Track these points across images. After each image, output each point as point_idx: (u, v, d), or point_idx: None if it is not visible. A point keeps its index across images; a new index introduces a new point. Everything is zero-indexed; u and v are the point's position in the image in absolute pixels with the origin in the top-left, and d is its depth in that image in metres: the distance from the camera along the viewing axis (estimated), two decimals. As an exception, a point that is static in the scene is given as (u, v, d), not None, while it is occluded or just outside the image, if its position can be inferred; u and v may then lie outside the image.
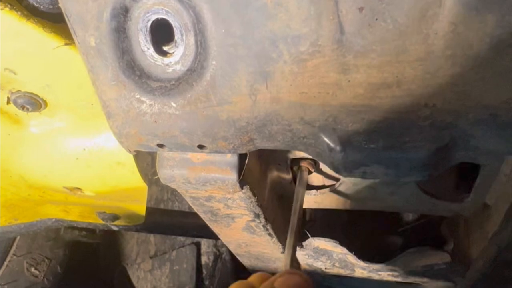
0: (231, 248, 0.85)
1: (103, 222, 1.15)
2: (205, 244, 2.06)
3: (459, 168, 0.73)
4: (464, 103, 0.38)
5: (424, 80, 0.37)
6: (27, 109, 0.71)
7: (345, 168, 0.45)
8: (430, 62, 0.37)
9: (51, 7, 0.57)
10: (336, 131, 0.42)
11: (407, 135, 0.40)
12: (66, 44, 0.59)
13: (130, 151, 0.51)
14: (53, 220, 1.14)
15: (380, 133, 0.41)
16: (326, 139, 0.43)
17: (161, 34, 0.43)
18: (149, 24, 0.43)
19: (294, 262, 0.55)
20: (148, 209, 1.13)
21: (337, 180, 0.71)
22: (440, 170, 0.45)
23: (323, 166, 0.70)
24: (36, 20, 0.56)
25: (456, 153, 0.42)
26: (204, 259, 2.07)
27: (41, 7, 0.57)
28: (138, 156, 0.82)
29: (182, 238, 2.09)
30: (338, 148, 0.43)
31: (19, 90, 0.68)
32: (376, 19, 0.36)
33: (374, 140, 0.41)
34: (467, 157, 0.43)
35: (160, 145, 0.49)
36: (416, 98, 0.38)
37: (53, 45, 0.59)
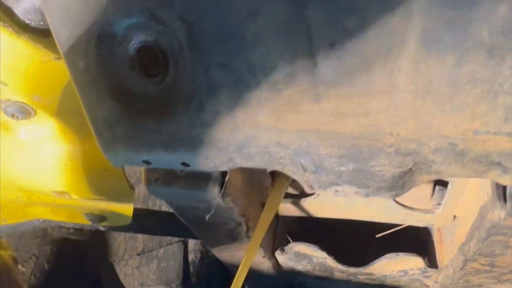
0: (215, 252, 0.88)
1: (90, 223, 1.17)
2: (192, 242, 2.08)
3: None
4: (426, 133, 0.41)
5: (389, 111, 0.41)
6: (17, 117, 0.73)
7: (318, 186, 0.48)
8: (394, 95, 0.40)
9: (42, 23, 0.59)
10: (310, 154, 0.45)
11: (375, 160, 0.43)
12: (55, 58, 0.61)
13: (116, 166, 0.54)
14: (41, 220, 1.16)
15: (350, 158, 0.44)
16: (300, 161, 0.46)
17: (147, 57, 0.46)
18: (135, 49, 0.45)
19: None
20: (135, 210, 1.15)
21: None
22: (407, 190, 0.48)
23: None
24: (27, 36, 0.58)
25: (419, 176, 0.45)
26: (191, 256, 2.09)
27: (32, 23, 0.58)
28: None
29: (169, 236, 2.11)
30: (311, 169, 0.46)
31: (9, 99, 0.70)
32: (346, 55, 0.39)
33: (344, 163, 0.44)
34: (431, 179, 0.47)
35: (146, 162, 0.52)
36: (382, 127, 0.41)
37: (43, 60, 0.61)
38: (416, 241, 0.97)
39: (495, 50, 0.36)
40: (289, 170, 0.49)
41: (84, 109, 0.50)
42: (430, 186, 0.79)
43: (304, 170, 0.47)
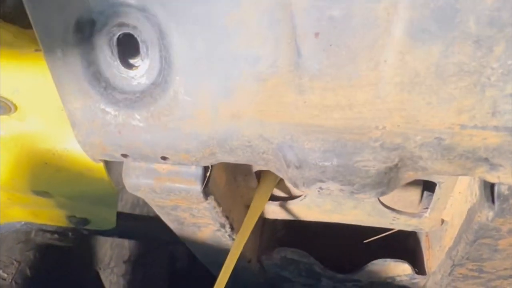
0: (199, 256, 0.85)
1: (73, 226, 1.14)
2: (180, 249, 2.04)
3: (423, 182, 0.76)
4: (412, 127, 0.40)
5: (374, 104, 0.39)
6: (-4, 112, 0.71)
7: (302, 183, 0.47)
8: (380, 87, 0.39)
9: (22, 13, 0.57)
10: (293, 149, 0.44)
11: (359, 154, 0.42)
12: (36, 50, 0.59)
13: (94, 160, 0.52)
14: (22, 223, 1.13)
15: (334, 152, 0.43)
16: (283, 156, 0.45)
17: (127, 47, 0.44)
18: (115, 37, 0.44)
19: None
20: (120, 214, 1.13)
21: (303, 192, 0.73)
22: (393, 188, 0.47)
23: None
24: (6, 26, 0.57)
25: (405, 172, 0.44)
26: (178, 264, 2.05)
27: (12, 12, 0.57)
28: (113, 161, 0.82)
29: (156, 243, 2.07)
30: (295, 164, 0.45)
31: (-12, 94, 0.68)
32: (331, 45, 0.38)
33: (328, 158, 0.43)
34: (417, 176, 0.45)
35: (124, 155, 0.50)
36: (367, 121, 0.40)
37: (23, 51, 0.59)
38: (405, 247, 0.96)
39: (482, 41, 0.35)
40: (273, 166, 0.48)
41: (61, 100, 0.48)
42: (418, 191, 0.78)
43: (288, 165, 0.45)
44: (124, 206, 2.04)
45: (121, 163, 0.99)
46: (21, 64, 0.62)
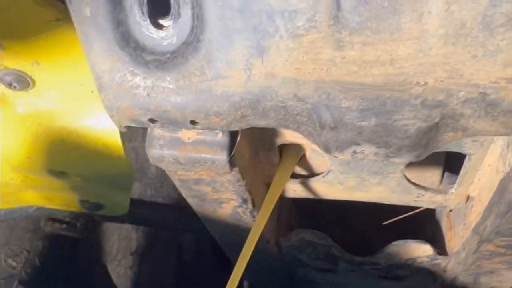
0: (217, 237, 0.84)
1: (85, 211, 1.13)
2: (187, 241, 2.04)
3: (444, 162, 0.75)
4: (455, 82, 0.39)
5: (416, 58, 0.38)
6: (15, 87, 0.70)
7: (336, 147, 0.46)
8: (423, 40, 0.37)
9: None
10: (329, 108, 0.42)
11: (399, 113, 0.41)
12: (57, 19, 0.58)
13: (120, 127, 0.51)
14: (34, 208, 1.12)
15: (373, 111, 0.41)
16: (318, 117, 0.43)
17: (158, 6, 0.43)
18: None
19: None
20: (133, 201, 1.12)
21: (325, 169, 0.72)
22: (429, 152, 0.46)
23: (310, 156, 0.71)
24: (29, -7, 0.56)
25: (445, 133, 0.43)
26: (186, 256, 2.05)
27: (35, -20, 0.56)
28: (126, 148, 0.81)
29: (164, 235, 2.07)
30: (330, 125, 0.43)
31: (6, 67, 0.67)
32: None
33: (366, 117, 0.42)
34: (456, 138, 0.44)
35: (152, 120, 0.49)
36: (409, 76, 0.39)
37: (45, 20, 0.58)
38: (421, 232, 0.95)
39: (533, -12, 0.34)
40: (305, 130, 0.46)
41: (89, 63, 0.47)
42: (439, 172, 0.77)
43: (322, 127, 0.44)
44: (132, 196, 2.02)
45: (131, 154, 0.98)
46: (42, 34, 0.61)
